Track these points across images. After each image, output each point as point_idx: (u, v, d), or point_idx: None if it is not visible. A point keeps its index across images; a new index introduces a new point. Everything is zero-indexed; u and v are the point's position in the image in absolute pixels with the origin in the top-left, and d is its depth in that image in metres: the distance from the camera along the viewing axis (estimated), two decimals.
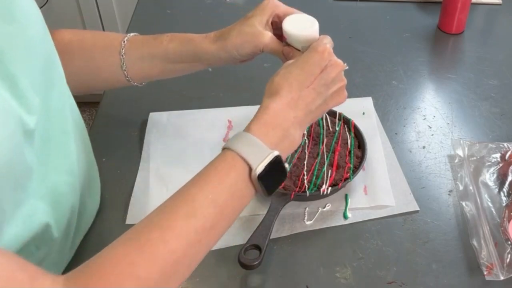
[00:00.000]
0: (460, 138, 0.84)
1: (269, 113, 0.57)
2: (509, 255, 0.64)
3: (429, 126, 0.87)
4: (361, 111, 0.89)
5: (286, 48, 0.68)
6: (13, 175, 0.49)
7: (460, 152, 0.79)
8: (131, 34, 0.75)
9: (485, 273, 0.64)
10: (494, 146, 0.79)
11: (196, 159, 0.82)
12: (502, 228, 0.67)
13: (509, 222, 0.68)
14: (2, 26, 0.49)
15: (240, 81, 0.96)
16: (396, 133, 0.86)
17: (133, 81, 0.76)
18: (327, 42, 0.62)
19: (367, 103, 0.91)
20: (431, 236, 0.70)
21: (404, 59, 1.03)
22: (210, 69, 1.00)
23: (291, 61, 0.62)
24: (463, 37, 1.10)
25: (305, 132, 0.81)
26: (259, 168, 0.53)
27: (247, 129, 0.57)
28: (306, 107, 0.59)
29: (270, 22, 0.70)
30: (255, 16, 0.69)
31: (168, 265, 0.48)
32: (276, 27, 0.71)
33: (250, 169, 0.54)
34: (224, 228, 0.54)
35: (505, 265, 0.64)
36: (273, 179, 0.56)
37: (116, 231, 0.71)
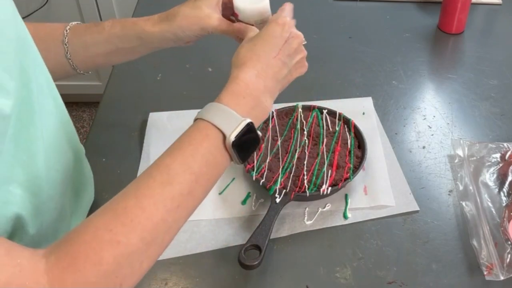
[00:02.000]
0: (460, 138, 0.84)
1: (239, 83, 0.58)
2: (509, 255, 0.64)
3: (429, 126, 0.87)
4: (361, 111, 0.89)
5: (238, 25, 0.69)
6: None
7: (460, 152, 0.79)
8: (73, 22, 0.73)
9: (485, 273, 0.64)
10: (494, 146, 0.79)
11: None
12: (502, 228, 0.67)
13: (509, 222, 0.68)
14: None
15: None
16: (396, 133, 0.86)
17: (80, 70, 0.74)
18: (286, 15, 0.64)
19: (367, 103, 0.91)
20: (431, 236, 0.70)
21: (404, 59, 1.03)
22: (210, 69, 1.00)
23: (252, 34, 0.64)
24: (463, 37, 1.10)
25: (306, 132, 0.81)
26: (232, 136, 0.54)
27: (218, 99, 0.57)
28: (274, 76, 0.61)
29: (219, 3, 0.70)
30: None
31: (147, 231, 0.48)
32: (225, 7, 0.71)
33: (224, 137, 0.55)
34: (201, 194, 0.54)
35: (505, 265, 0.64)
36: (246, 147, 0.57)
37: None
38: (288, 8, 0.66)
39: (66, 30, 0.72)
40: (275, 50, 0.61)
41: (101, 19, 2.06)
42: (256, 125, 0.58)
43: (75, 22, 0.74)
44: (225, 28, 0.69)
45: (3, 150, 0.52)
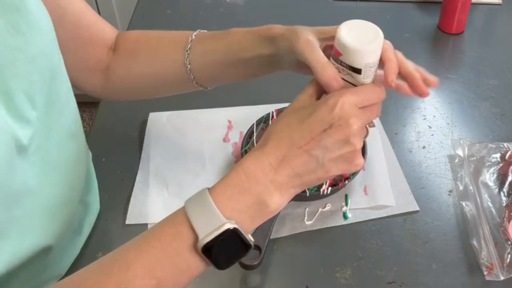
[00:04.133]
0: (460, 138, 0.84)
1: (239, 172, 0.49)
2: (509, 255, 0.64)
3: (429, 126, 0.87)
4: None
5: (330, 68, 0.52)
6: (4, 192, 0.47)
7: (460, 152, 0.79)
8: (201, 30, 0.68)
9: (485, 273, 0.64)
10: (494, 146, 0.79)
11: (196, 159, 0.82)
12: (502, 228, 0.67)
13: (509, 222, 0.68)
14: (6, 39, 0.48)
15: (240, 81, 0.96)
16: (396, 133, 0.86)
17: (196, 82, 0.68)
18: (348, 94, 0.50)
19: None
20: (431, 236, 0.70)
21: None
22: None
23: (302, 104, 0.52)
24: (463, 37, 1.09)
25: None
26: (204, 240, 0.46)
27: (212, 187, 0.49)
28: (292, 170, 0.49)
29: (319, 33, 0.56)
30: (323, 29, 0.57)
31: None
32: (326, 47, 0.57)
33: (197, 238, 0.46)
34: None
35: (505, 265, 0.64)
36: (226, 254, 0.48)
37: (116, 231, 0.72)
38: (367, 89, 0.52)
39: (192, 37, 0.66)
40: (305, 137, 0.49)
41: None
42: (251, 226, 0.49)
43: (203, 31, 0.68)
44: (313, 58, 0.53)
45: (27, 180, 0.52)
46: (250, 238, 0.48)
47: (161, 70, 0.69)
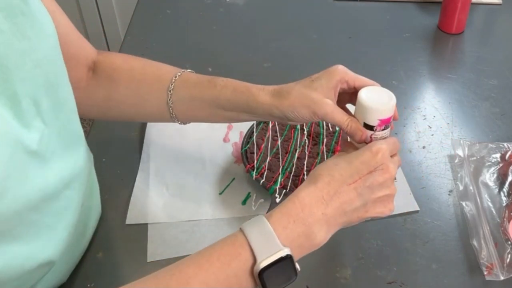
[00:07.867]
0: (460, 138, 0.84)
1: (295, 202, 0.53)
2: (509, 255, 0.65)
3: (429, 126, 0.87)
4: None
5: (354, 125, 0.60)
6: (20, 198, 0.48)
7: (460, 152, 0.79)
8: (185, 70, 0.70)
9: (485, 273, 0.64)
10: (494, 146, 0.79)
11: (196, 159, 0.82)
12: (502, 228, 0.67)
13: (509, 222, 0.68)
14: (13, 43, 0.47)
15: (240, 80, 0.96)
16: (396, 133, 0.86)
17: (177, 119, 0.71)
18: (385, 144, 0.56)
19: None
20: (431, 236, 0.70)
21: (404, 59, 1.03)
22: (210, 69, 1.00)
23: (343, 153, 0.58)
24: (463, 37, 1.10)
25: (306, 132, 0.81)
26: (262, 264, 0.49)
27: (269, 214, 0.53)
28: (340, 206, 0.53)
29: (337, 88, 0.63)
30: (320, 79, 0.62)
31: None
32: (341, 92, 0.64)
33: (255, 261, 0.49)
34: None
35: (505, 265, 0.64)
36: (277, 279, 0.50)
37: (116, 231, 0.72)
38: (395, 140, 0.60)
39: (175, 77, 0.68)
40: (353, 177, 0.54)
41: (101, 19, 2.06)
42: (297, 256, 0.52)
43: (187, 70, 0.70)
44: (338, 119, 0.60)
45: (46, 184, 0.52)
46: (297, 266, 0.51)
47: (142, 103, 0.71)
